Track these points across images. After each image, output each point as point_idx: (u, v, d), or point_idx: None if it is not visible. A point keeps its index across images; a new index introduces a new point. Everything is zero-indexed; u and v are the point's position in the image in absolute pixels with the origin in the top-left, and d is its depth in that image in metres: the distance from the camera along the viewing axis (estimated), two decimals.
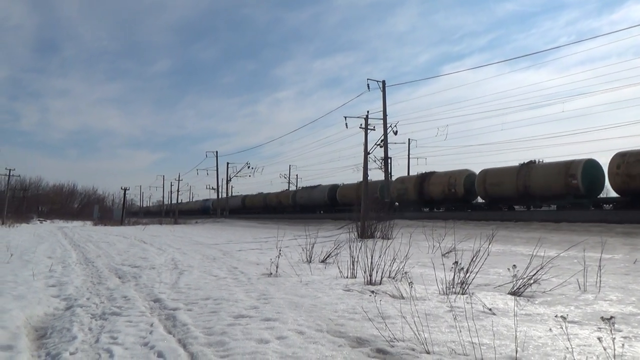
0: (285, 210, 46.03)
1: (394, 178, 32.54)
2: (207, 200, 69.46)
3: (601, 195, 22.36)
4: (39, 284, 7.63)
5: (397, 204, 29.67)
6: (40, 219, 62.14)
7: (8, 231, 27.08)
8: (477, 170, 26.07)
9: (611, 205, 20.49)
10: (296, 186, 62.40)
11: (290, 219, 39.58)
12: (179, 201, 74.38)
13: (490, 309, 5.13)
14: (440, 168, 28.75)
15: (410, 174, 41.51)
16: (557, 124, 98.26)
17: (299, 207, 43.46)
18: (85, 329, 4.82)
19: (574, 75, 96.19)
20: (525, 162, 23.22)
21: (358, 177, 35.20)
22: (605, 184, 20.43)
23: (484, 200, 26.00)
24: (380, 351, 3.76)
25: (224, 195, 59.42)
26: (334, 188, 38.75)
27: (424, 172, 29.87)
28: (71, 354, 3.96)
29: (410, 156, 46.69)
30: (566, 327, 3.87)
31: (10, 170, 54.16)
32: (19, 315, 5.28)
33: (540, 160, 22.96)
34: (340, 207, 35.17)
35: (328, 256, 10.33)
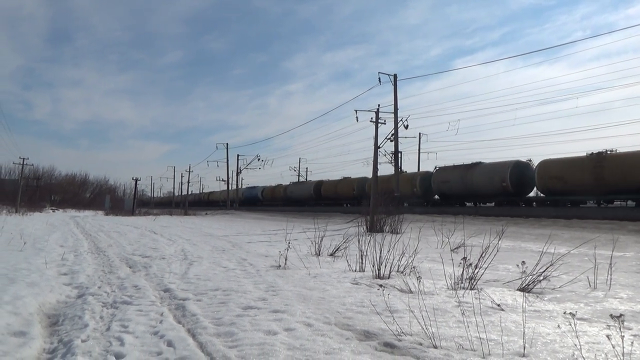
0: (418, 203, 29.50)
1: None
2: (253, 188, 57.77)
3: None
4: (51, 272, 7.75)
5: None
6: (53, 208, 62.94)
7: (21, 220, 27.46)
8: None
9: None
10: (306, 179, 61.43)
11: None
12: (190, 192, 74.59)
13: (498, 305, 5.12)
14: (450, 163, 28.60)
15: (421, 169, 41.27)
16: (570, 119, 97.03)
17: (447, 196, 28.11)
18: (96, 317, 4.90)
19: (589, 70, 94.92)
20: None
21: (368, 171, 34.50)
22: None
23: None
24: (387, 345, 3.77)
25: (234, 187, 59.34)
26: (522, 166, 23.72)
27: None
28: (83, 341, 4.02)
29: (421, 151, 46.42)
30: (575, 324, 3.86)
31: (23, 159, 54.92)
32: (32, 302, 5.37)
33: None
34: (551, 196, 22.26)
35: (337, 249, 10.35)
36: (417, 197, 29.46)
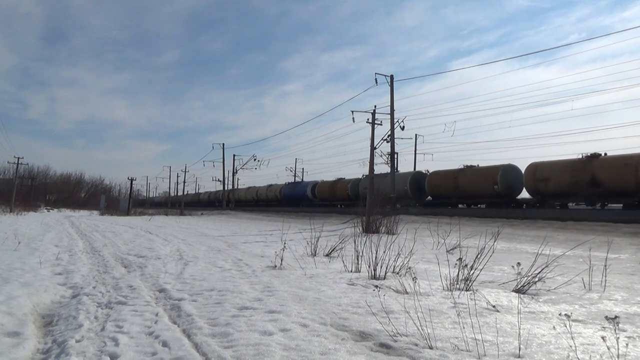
0: None
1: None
2: (297, 184, 46.09)
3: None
4: (45, 272, 7.70)
5: None
6: (48, 208, 62.65)
7: (16, 219, 27.31)
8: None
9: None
10: (302, 179, 60.67)
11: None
12: (185, 192, 74.26)
13: (494, 306, 5.13)
14: (447, 165, 28.49)
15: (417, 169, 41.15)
16: (565, 122, 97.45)
17: None
18: (91, 317, 4.87)
19: (584, 73, 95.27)
20: None
21: (364, 172, 33.52)
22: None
23: None
24: (383, 345, 3.77)
25: (230, 187, 59.09)
26: None
27: None
28: (77, 341, 4.00)
29: (417, 152, 46.45)
30: (570, 326, 3.87)
31: (18, 158, 54.75)
32: (26, 302, 5.34)
33: None
34: None
35: (333, 250, 10.35)
36: (630, 195, 18.49)
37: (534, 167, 22.35)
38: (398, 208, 27.33)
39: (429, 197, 29.24)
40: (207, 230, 20.55)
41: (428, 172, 29.61)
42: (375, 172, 29.27)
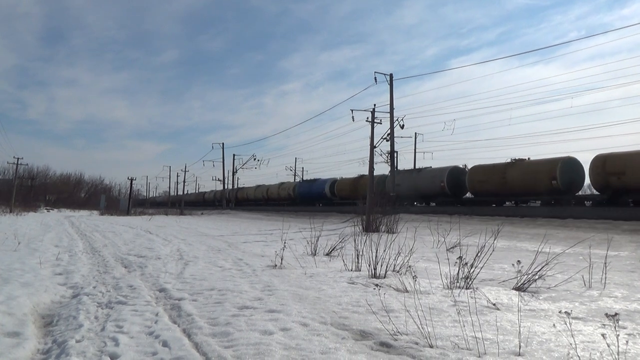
0: None
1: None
2: (313, 181, 42.05)
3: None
4: (45, 272, 7.70)
5: None
6: (48, 208, 62.64)
7: (16, 219, 27.30)
8: None
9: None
10: (302, 179, 60.40)
11: None
12: (186, 192, 74.09)
13: (494, 304, 5.13)
14: (446, 163, 28.31)
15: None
16: (565, 119, 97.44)
17: None
18: (91, 317, 4.87)
19: (583, 70, 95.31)
20: None
21: (363, 171, 33.08)
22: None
23: None
24: (383, 344, 3.77)
25: (230, 186, 59.02)
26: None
27: None
28: (77, 341, 3.99)
29: (417, 150, 46.42)
30: (570, 323, 3.87)
31: (18, 159, 54.77)
32: (26, 302, 5.34)
33: None
34: None
35: (333, 249, 10.34)
36: None
37: (602, 159, 19.83)
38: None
39: (469, 194, 27.14)
40: (207, 230, 20.55)
41: (466, 167, 27.15)
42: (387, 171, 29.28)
